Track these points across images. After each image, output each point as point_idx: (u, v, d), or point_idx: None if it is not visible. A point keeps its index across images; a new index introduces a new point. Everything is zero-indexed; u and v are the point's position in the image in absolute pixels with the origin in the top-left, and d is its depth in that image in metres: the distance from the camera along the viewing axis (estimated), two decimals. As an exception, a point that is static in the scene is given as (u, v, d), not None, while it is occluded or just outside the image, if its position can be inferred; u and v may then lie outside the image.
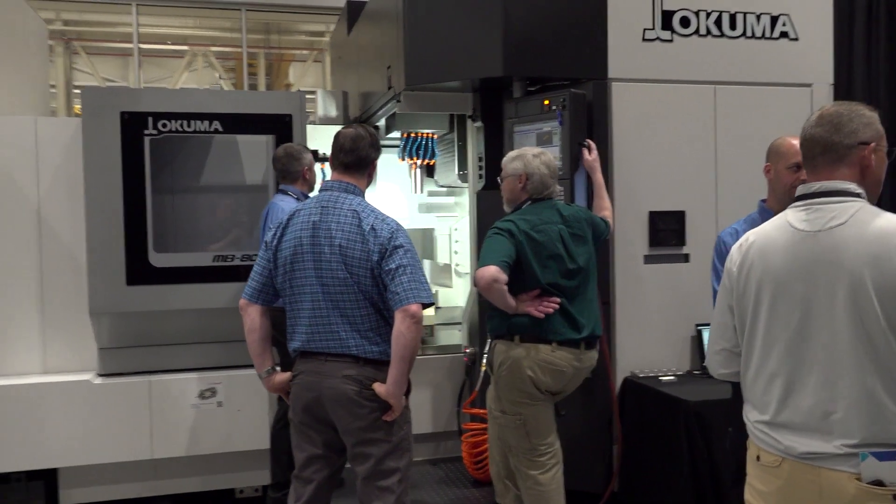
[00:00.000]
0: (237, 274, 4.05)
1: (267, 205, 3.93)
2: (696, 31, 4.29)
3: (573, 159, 3.96)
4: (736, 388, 2.28)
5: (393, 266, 2.78)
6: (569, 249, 3.35)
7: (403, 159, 5.39)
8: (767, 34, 4.39)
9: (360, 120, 5.78)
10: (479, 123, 4.48)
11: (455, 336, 5.24)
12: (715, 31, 4.32)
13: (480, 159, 4.47)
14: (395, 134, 5.44)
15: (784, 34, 4.41)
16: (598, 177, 3.86)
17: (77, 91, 11.90)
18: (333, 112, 5.84)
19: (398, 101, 4.53)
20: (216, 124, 4.15)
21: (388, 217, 2.89)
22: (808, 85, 4.45)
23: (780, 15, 4.39)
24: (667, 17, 4.25)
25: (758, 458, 2.08)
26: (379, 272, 2.80)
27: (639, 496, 3.98)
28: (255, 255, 3.44)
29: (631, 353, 4.22)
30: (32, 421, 4.01)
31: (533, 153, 3.46)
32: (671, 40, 4.27)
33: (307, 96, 4.51)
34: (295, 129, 4.22)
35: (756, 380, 2.09)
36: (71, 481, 4.18)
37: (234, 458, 4.31)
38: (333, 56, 7.40)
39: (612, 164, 4.19)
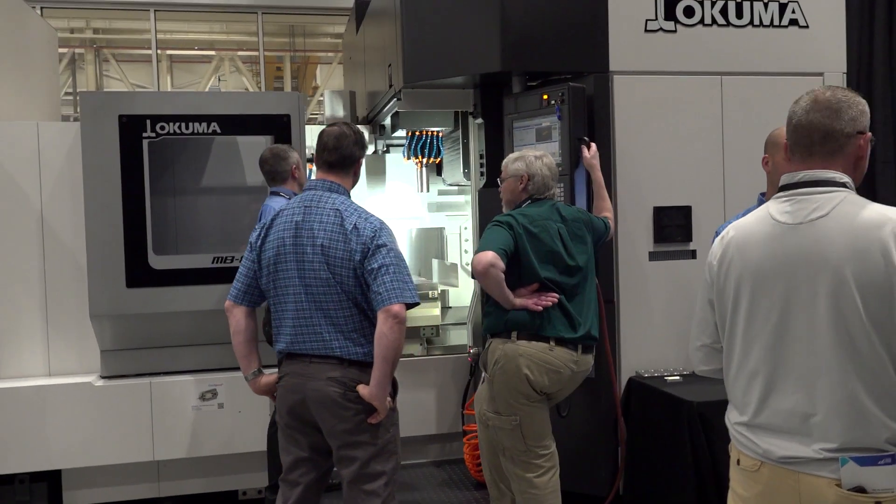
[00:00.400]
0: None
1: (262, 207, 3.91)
2: (701, 21, 4.18)
3: (573, 155, 3.87)
4: None
5: (375, 265, 2.73)
6: (567, 247, 3.29)
7: (409, 158, 5.35)
8: (776, 22, 4.25)
9: (367, 119, 5.75)
10: (479, 120, 4.42)
11: (463, 336, 5.18)
12: (720, 19, 4.19)
13: (481, 156, 4.40)
14: (401, 133, 5.41)
15: (794, 21, 4.27)
16: (598, 175, 3.78)
17: (105, 97, 12.07)
18: (341, 112, 5.80)
19: (398, 99, 4.48)
20: (214, 126, 4.14)
21: (371, 216, 2.84)
22: (820, 74, 4.30)
23: (788, 2, 4.26)
24: (670, 6, 4.14)
25: (738, 461, 2.00)
26: (362, 272, 2.75)
27: (644, 499, 3.88)
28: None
29: (635, 352, 4.11)
30: (36, 423, 4.04)
31: (535, 155, 3.41)
32: (675, 31, 4.16)
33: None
34: (293, 129, 4.19)
35: (737, 379, 2.00)
36: (75, 483, 4.20)
37: (236, 460, 4.30)
38: (345, 57, 7.39)
39: (615, 159, 4.09)
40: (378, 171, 6.02)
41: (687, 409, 3.59)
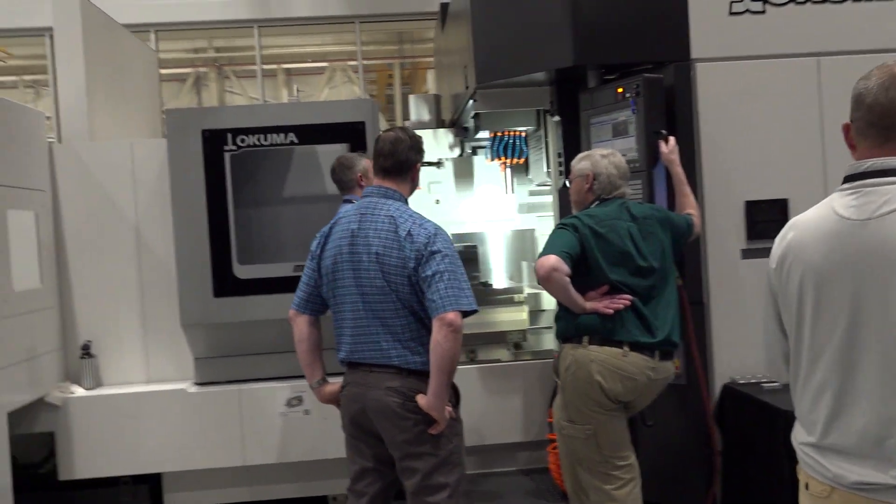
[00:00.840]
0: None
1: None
2: (793, -1, 3.88)
3: (650, 150, 3.68)
4: None
5: (430, 272, 2.67)
6: (639, 247, 3.11)
7: (492, 159, 5.26)
8: (879, -6, 3.89)
9: (452, 122, 5.71)
10: (556, 118, 4.28)
11: (550, 340, 5.04)
12: (815, -4, 3.88)
13: (560, 155, 4.26)
14: (485, 133, 5.33)
15: (900, -8, 3.89)
16: (679, 171, 3.56)
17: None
18: (426, 116, 5.81)
19: (475, 101, 4.41)
20: (291, 136, 4.21)
21: (427, 221, 2.79)
22: (941, 47, 3.89)
23: (894, -29, 3.88)
24: (757, -15, 3.87)
25: (807, 486, 1.81)
26: (416, 279, 2.70)
27: (740, 513, 3.63)
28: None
29: (730, 357, 3.86)
30: (136, 428, 4.24)
31: (601, 153, 3.27)
32: (763, 11, 3.88)
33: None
34: (368, 136, 4.20)
35: (803, 394, 1.81)
36: (174, 485, 4.38)
37: (325, 465, 4.35)
38: (435, 60, 7.39)
39: (700, 152, 3.86)
40: (466, 174, 5.96)
41: (783, 419, 3.32)
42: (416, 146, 2.91)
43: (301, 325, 2.96)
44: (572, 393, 3.10)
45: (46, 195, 4.31)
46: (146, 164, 4.43)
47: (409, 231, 2.73)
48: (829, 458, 1.72)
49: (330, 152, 4.22)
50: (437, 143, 5.70)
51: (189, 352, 4.33)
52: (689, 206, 3.52)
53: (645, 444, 3.96)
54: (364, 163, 3.71)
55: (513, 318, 4.86)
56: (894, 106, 1.68)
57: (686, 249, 3.61)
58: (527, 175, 5.63)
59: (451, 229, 5.90)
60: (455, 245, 5.60)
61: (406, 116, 6.74)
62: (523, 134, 5.18)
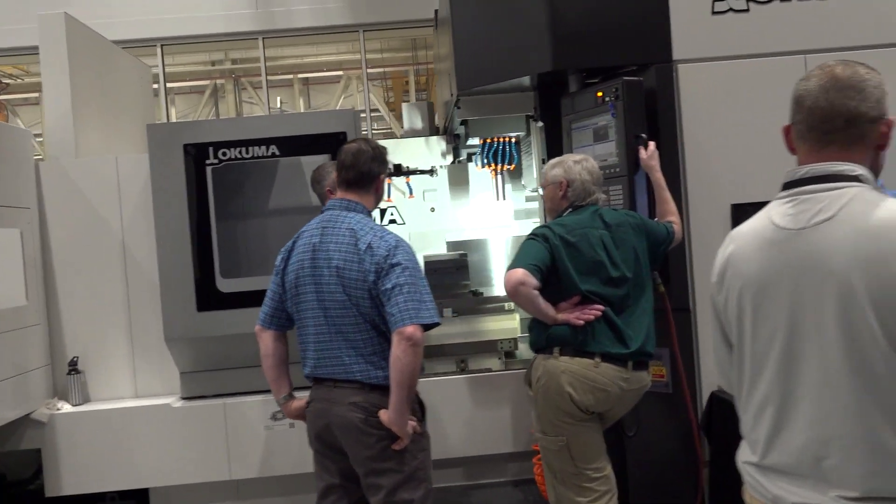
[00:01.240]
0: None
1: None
2: (778, -4, 3.78)
3: (631, 154, 3.60)
4: None
5: (389, 285, 2.63)
6: (612, 256, 3.04)
7: (482, 166, 5.20)
8: (867, -11, 3.78)
9: (444, 129, 5.66)
10: (540, 123, 4.21)
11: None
12: (800, -7, 3.78)
13: (543, 161, 4.19)
14: (476, 140, 5.27)
15: (889, -14, 3.78)
16: (659, 177, 3.48)
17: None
18: (419, 124, 5.77)
19: (458, 108, 4.36)
20: (273, 148, 4.19)
21: (388, 234, 2.74)
22: (927, 42, 3.78)
23: (881, -35, 3.77)
24: (739, -16, 3.78)
25: (750, 506, 1.72)
26: (377, 293, 2.66)
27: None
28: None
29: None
30: (123, 443, 4.23)
31: (574, 159, 3.20)
32: (747, 9, 3.79)
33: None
34: (350, 147, 4.16)
35: (746, 411, 1.74)
36: (161, 501, 4.37)
37: (311, 479, 4.24)
38: (434, 67, 7.35)
39: (684, 155, 3.77)
40: (461, 181, 5.91)
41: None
42: (379, 157, 2.87)
43: (267, 341, 2.92)
44: (544, 404, 3.03)
45: (32, 212, 4.33)
46: (131, 179, 4.44)
47: (370, 244, 2.68)
48: (770, 478, 1.64)
49: (312, 163, 4.17)
50: (430, 151, 5.66)
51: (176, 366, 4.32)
52: (669, 213, 3.43)
53: (632, 453, 3.88)
54: (334, 175, 3.65)
55: (503, 326, 4.79)
56: (834, 109, 1.60)
57: (671, 255, 3.52)
58: (521, 181, 5.56)
59: (447, 237, 5.87)
60: (446, 254, 5.54)
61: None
62: (514, 140, 5.12)
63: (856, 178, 1.59)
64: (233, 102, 13.45)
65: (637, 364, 3.02)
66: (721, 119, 3.77)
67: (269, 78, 13.49)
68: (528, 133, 4.85)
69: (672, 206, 3.45)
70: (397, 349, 2.58)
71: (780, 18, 3.78)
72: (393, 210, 5.79)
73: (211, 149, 4.18)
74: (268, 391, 4.18)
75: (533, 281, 2.90)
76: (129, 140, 5.28)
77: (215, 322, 4.17)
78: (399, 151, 5.55)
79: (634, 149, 3.57)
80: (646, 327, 3.05)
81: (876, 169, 1.65)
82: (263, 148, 4.19)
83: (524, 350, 4.98)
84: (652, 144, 3.54)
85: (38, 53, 4.58)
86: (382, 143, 3.69)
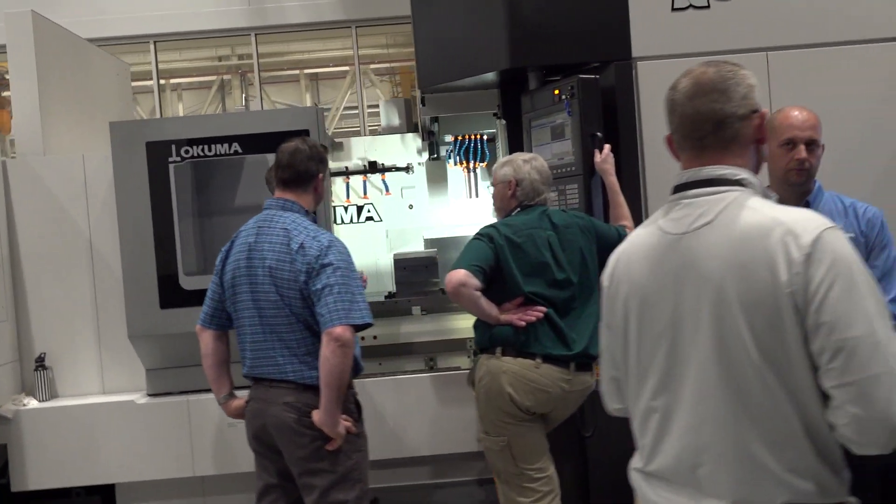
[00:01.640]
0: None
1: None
2: (738, -8, 3.73)
3: (586, 154, 3.57)
4: None
5: (319, 286, 2.63)
6: (557, 258, 3.02)
7: (455, 163, 5.18)
8: (829, -16, 3.72)
9: (421, 126, 5.64)
10: (502, 121, 4.19)
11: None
12: (762, -11, 3.73)
13: (506, 159, 4.17)
14: (450, 137, 5.25)
15: (852, -19, 3.73)
16: (613, 181, 3.44)
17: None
18: (396, 121, 5.74)
19: (423, 105, 4.35)
20: (235, 146, 4.19)
21: (322, 234, 2.73)
22: (893, 39, 3.72)
23: (844, -41, 3.72)
24: (699, -20, 3.73)
25: (638, 514, 1.71)
26: (308, 293, 2.65)
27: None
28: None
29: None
30: (89, 439, 4.25)
31: (523, 158, 3.19)
32: (707, 6, 3.75)
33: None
34: (312, 144, 4.15)
35: (634, 418, 1.71)
36: (128, 496, 4.39)
37: (277, 476, 4.32)
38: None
39: (643, 154, 3.74)
40: (439, 179, 5.88)
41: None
42: (317, 156, 2.86)
43: (207, 340, 2.93)
44: (485, 404, 3.03)
45: (0, 210, 4.36)
46: (98, 177, 4.45)
47: (302, 243, 2.68)
48: (652, 485, 1.62)
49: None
50: (406, 148, 5.64)
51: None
52: (622, 217, 3.40)
53: (592, 453, 3.86)
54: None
55: (472, 324, 4.76)
56: (701, 115, 1.59)
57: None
58: (496, 179, 5.53)
59: (424, 234, 5.85)
60: (415, 252, 5.50)
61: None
62: (486, 137, 5.09)
63: (738, 183, 1.57)
64: (239, 98, 13.49)
65: (580, 366, 3.00)
66: (681, 117, 3.73)
67: (277, 74, 13.53)
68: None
69: (625, 210, 3.42)
70: (326, 350, 2.58)
71: (741, 15, 3.74)
72: (370, 207, 5.79)
73: (174, 146, 4.19)
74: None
75: (474, 282, 2.89)
76: (104, 138, 5.28)
77: (178, 319, 4.18)
78: (376, 148, 5.54)
79: (590, 149, 3.54)
80: (591, 329, 3.03)
81: (760, 162, 1.63)
82: (226, 146, 4.19)
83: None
84: (607, 147, 3.51)
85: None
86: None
